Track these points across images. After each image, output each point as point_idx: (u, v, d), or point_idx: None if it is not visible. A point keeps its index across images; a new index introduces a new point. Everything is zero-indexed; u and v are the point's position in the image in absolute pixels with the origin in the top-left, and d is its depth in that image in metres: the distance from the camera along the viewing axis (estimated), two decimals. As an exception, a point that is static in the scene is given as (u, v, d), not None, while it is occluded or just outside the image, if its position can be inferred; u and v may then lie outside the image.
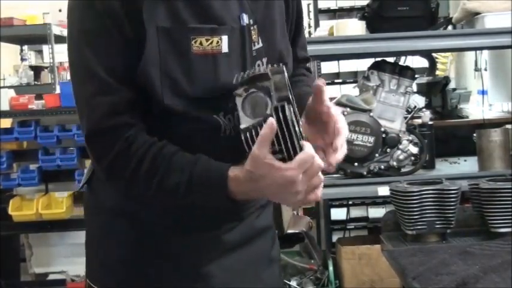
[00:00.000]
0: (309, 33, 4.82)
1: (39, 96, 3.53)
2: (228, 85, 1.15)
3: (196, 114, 1.16)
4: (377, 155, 2.67)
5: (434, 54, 3.93)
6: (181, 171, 1.12)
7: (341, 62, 5.07)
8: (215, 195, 1.12)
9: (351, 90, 3.49)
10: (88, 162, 1.38)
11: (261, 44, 1.24)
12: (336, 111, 1.19)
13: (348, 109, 2.64)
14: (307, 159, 1.06)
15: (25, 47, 6.40)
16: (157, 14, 1.13)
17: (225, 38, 1.17)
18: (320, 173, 1.10)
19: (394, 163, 2.70)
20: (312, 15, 4.96)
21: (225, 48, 1.17)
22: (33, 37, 5.28)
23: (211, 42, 1.16)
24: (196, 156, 1.14)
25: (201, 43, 1.15)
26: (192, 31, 1.14)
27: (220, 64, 1.17)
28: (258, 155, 1.05)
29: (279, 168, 1.05)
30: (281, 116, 1.05)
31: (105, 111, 1.13)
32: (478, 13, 2.80)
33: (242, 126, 1.07)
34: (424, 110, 3.32)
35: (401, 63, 2.93)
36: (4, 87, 5.08)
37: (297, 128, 1.07)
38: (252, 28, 1.22)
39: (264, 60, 1.25)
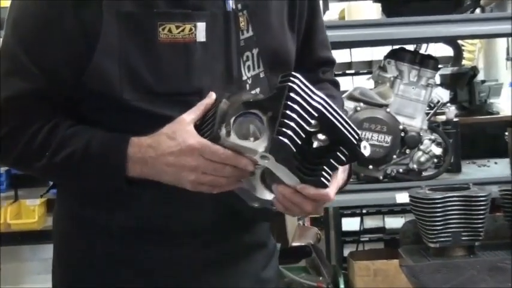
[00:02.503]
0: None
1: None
2: (204, 79, 1.16)
3: (161, 113, 1.16)
4: (395, 156, 2.67)
5: (460, 42, 3.93)
6: (77, 139, 1.16)
7: (353, 50, 5.06)
8: (112, 159, 1.14)
9: (364, 82, 3.49)
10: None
11: (251, 33, 1.24)
12: None
13: (362, 104, 2.64)
14: (215, 151, 1.08)
15: (-8, 33, 6.41)
16: None
17: (201, 25, 1.17)
18: (228, 178, 1.11)
19: (415, 166, 2.70)
20: (320, -4, 4.96)
21: (200, 37, 1.17)
22: (3, 21, 5.29)
23: (183, 30, 1.16)
24: (95, 128, 1.17)
25: (170, 30, 1.16)
26: (159, 16, 1.15)
27: (194, 55, 1.17)
28: (183, 118, 1.11)
29: (188, 132, 1.10)
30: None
31: (13, 95, 1.17)
32: (510, -6, 2.80)
33: (261, 149, 1.07)
34: (448, 105, 3.32)
35: (422, 51, 2.92)
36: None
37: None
38: (239, 14, 1.22)
39: (255, 51, 1.26)
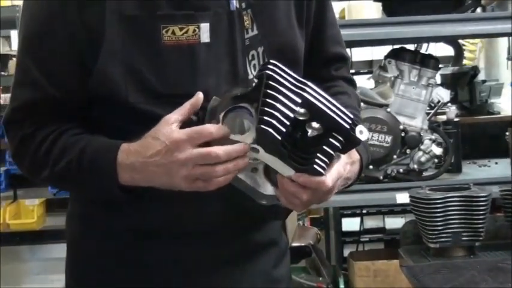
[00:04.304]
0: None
1: (7, 89, 3.53)
2: (210, 80, 1.17)
3: (167, 115, 1.15)
4: (395, 156, 2.67)
5: (461, 41, 3.93)
6: (74, 148, 1.17)
7: (354, 49, 5.04)
8: (104, 168, 1.14)
9: (365, 82, 3.49)
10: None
11: (255, 32, 1.24)
12: None
13: (362, 104, 2.64)
14: (201, 131, 1.08)
15: (-10, 33, 6.40)
16: (124, 1, 1.15)
17: (205, 26, 1.18)
18: (222, 166, 1.08)
19: (415, 166, 2.70)
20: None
21: (205, 38, 1.18)
22: (3, 21, 5.28)
23: (187, 31, 1.17)
24: (94, 136, 1.18)
25: (173, 32, 1.16)
26: (162, 19, 1.16)
27: (199, 56, 1.18)
28: (166, 117, 1.10)
29: (171, 129, 1.09)
30: None
31: (20, 105, 1.20)
32: (511, -7, 2.80)
33: (250, 141, 1.07)
34: (449, 105, 3.32)
35: (423, 51, 2.92)
36: (-34, 78, 5.08)
37: None
38: (244, 13, 1.22)
39: (260, 50, 1.25)
